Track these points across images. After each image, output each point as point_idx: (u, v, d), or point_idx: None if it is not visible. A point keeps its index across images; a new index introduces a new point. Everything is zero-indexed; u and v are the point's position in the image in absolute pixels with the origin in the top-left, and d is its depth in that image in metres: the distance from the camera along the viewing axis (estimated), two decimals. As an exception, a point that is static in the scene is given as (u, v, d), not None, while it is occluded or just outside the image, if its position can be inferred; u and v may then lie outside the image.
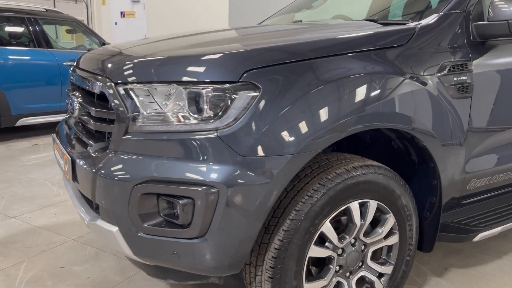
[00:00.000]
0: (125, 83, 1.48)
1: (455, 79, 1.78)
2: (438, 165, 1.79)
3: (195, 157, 1.37)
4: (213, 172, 1.35)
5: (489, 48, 1.92)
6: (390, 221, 1.74)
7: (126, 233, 1.47)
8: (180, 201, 1.37)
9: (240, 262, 1.45)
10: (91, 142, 1.63)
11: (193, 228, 1.38)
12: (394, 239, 1.79)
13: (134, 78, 1.48)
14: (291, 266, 1.50)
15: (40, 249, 2.48)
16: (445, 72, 1.75)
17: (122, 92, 1.47)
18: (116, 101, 1.47)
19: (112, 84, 1.50)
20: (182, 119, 1.40)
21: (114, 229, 1.49)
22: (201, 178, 1.34)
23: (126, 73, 1.50)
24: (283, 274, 1.50)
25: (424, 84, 1.68)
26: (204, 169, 1.35)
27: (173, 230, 1.41)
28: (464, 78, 1.81)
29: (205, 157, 1.36)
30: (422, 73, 1.69)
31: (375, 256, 1.86)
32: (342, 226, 1.67)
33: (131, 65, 1.53)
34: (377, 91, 1.54)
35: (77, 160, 1.63)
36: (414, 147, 1.83)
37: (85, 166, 1.56)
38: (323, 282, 1.62)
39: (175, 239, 1.41)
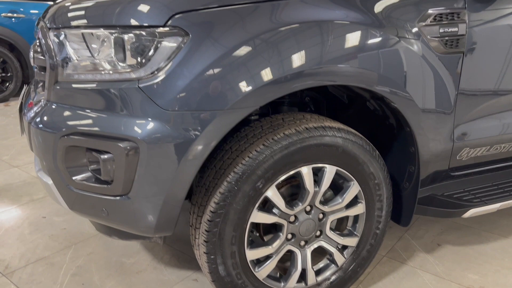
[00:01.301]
0: (57, 29, 1.39)
1: (441, 30, 1.53)
2: (415, 130, 1.57)
3: (117, 110, 1.27)
4: (134, 127, 1.24)
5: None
6: (353, 189, 1.57)
7: (58, 186, 1.42)
8: (102, 156, 1.29)
9: (169, 224, 1.36)
10: (34, 93, 1.59)
11: (115, 185, 1.30)
12: (358, 209, 1.62)
13: (64, 23, 1.38)
14: (228, 230, 1.40)
15: (29, 199, 2.56)
16: (429, 21, 1.50)
17: (52, 37, 1.39)
18: (47, 47, 1.39)
19: (46, 29, 1.42)
20: (108, 68, 1.29)
21: (50, 181, 1.45)
22: (121, 133, 1.25)
23: (57, 18, 1.41)
24: (219, 238, 1.40)
25: (397, 34, 1.45)
26: (125, 123, 1.25)
27: (99, 186, 1.34)
28: (453, 29, 1.54)
29: (126, 110, 1.26)
30: (394, 21, 1.46)
31: (341, 227, 1.72)
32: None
33: (62, 10, 1.42)
34: (327, 41, 1.33)
35: (24, 111, 1.59)
36: (389, 109, 1.62)
37: (24, 117, 1.52)
38: (268, 250, 1.51)
39: (101, 195, 1.35)
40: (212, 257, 1.42)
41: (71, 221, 2.30)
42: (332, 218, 1.60)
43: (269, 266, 1.53)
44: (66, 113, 1.35)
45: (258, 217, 1.44)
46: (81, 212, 1.46)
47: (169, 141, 1.23)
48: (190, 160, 1.26)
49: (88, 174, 1.37)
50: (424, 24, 1.49)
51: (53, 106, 1.38)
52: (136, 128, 1.24)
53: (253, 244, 1.52)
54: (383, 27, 1.43)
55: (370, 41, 1.39)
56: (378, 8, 1.44)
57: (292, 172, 1.44)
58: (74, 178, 1.37)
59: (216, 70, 1.23)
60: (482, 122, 1.77)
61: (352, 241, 1.66)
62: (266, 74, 1.26)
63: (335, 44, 1.34)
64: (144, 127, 1.24)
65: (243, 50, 1.25)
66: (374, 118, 1.74)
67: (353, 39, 1.36)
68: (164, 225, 1.36)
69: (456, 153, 1.76)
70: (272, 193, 1.43)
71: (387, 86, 1.45)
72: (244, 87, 1.25)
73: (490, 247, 2.20)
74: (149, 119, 1.24)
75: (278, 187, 1.51)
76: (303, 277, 1.62)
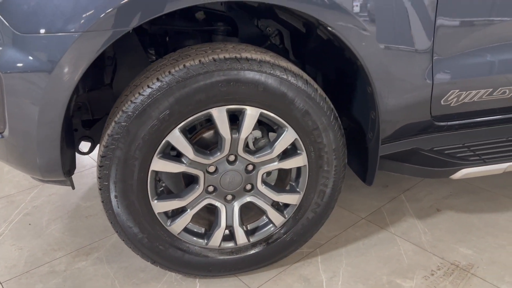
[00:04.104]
0: None
1: None
2: (367, 65, 1.23)
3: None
4: (-9, 55, 1.09)
5: None
6: (286, 137, 1.29)
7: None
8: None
9: (54, 167, 1.22)
10: None
11: (-10, 122, 1.18)
12: (297, 162, 1.34)
13: None
14: (123, 177, 1.22)
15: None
16: None
17: None
18: None
19: None
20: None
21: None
22: None
23: None
24: (113, 186, 1.23)
25: None
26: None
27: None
28: None
29: None
30: None
31: (285, 182, 1.46)
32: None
33: None
34: None
35: None
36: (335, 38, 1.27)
37: None
38: (179, 202, 1.31)
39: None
40: (109, 208, 1.27)
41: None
42: (264, 170, 1.34)
43: (183, 220, 1.34)
44: None
45: (160, 165, 1.24)
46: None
47: (26, 70, 1.06)
48: (54, 93, 1.08)
49: None
50: None
51: None
52: (-7, 57, 1.08)
53: (162, 196, 1.33)
54: None
55: None
56: None
57: (199, 114, 1.20)
58: None
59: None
60: (478, 54, 1.34)
61: (292, 199, 1.40)
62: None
63: None
64: (1, 54, 1.07)
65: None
66: (334, 50, 1.41)
67: None
68: (49, 167, 1.22)
69: (439, 97, 1.38)
70: (174, 138, 1.21)
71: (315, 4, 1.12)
72: (107, 4, 1.01)
73: (502, 218, 1.79)
74: (3, 44, 1.07)
75: (195, 133, 1.30)
76: (233, 235, 1.42)
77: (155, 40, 1.61)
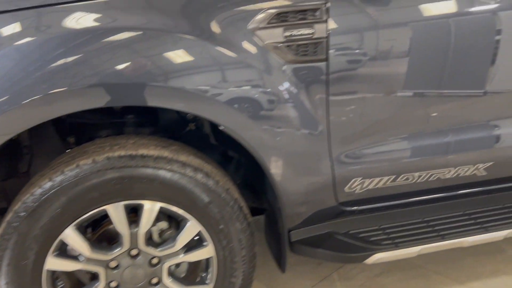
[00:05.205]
0: None
1: (287, 33, 1.20)
2: (264, 158, 1.27)
3: None
4: None
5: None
6: (190, 229, 1.29)
7: None
8: None
9: None
10: None
11: None
12: (204, 253, 1.33)
13: None
14: (13, 278, 1.19)
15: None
16: (267, 23, 1.19)
17: None
18: None
19: None
20: None
21: None
22: None
23: None
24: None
25: (211, 40, 1.17)
26: None
27: None
28: (307, 32, 1.21)
29: None
30: (208, 25, 1.18)
31: (195, 273, 1.44)
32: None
33: None
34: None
35: None
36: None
37: None
38: (79, 301, 1.28)
39: None
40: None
41: None
42: (169, 263, 1.32)
43: (82, 320, 1.30)
44: None
45: (55, 264, 1.21)
46: None
47: None
48: None
49: None
50: (259, 26, 1.19)
51: None
52: None
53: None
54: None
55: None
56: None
57: (94, 212, 1.20)
58: None
59: None
60: (378, 142, 1.40)
61: (201, 291, 1.37)
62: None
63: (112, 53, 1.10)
64: None
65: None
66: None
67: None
68: None
69: (342, 185, 1.41)
70: (68, 237, 1.20)
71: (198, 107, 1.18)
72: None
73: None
74: None
75: (101, 225, 1.29)
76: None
77: (73, 129, 1.64)
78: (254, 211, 1.60)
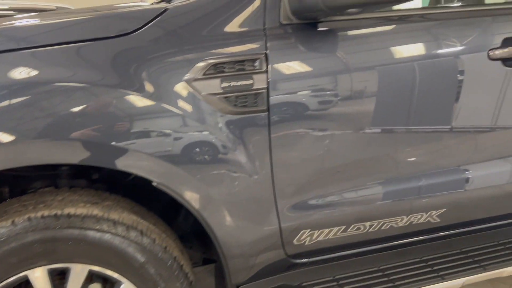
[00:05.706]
0: None
1: (225, 84, 1.15)
2: (202, 212, 1.20)
3: None
4: None
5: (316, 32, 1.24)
6: (124, 292, 1.20)
7: None
8: None
9: None
10: None
11: None
12: (141, 317, 1.24)
13: None
14: None
15: None
16: (203, 74, 1.14)
17: None
18: None
19: None
20: None
21: None
22: None
23: None
24: None
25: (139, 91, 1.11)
26: None
27: None
28: (246, 83, 1.17)
29: None
30: (140, 77, 1.12)
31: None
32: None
33: None
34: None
35: None
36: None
37: None
38: None
39: None
40: None
41: None
42: (106, 330, 1.22)
43: None
44: None
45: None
46: None
47: None
48: None
49: None
50: (196, 77, 1.13)
51: None
52: None
53: None
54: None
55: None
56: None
57: (14, 278, 1.10)
58: None
59: None
60: (323, 195, 1.34)
61: None
62: None
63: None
64: None
65: None
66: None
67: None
68: None
69: (290, 237, 1.34)
70: (-15, 307, 1.09)
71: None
72: None
73: None
74: None
75: None
76: None
77: (7, 180, 1.53)
78: (207, 261, 1.53)
